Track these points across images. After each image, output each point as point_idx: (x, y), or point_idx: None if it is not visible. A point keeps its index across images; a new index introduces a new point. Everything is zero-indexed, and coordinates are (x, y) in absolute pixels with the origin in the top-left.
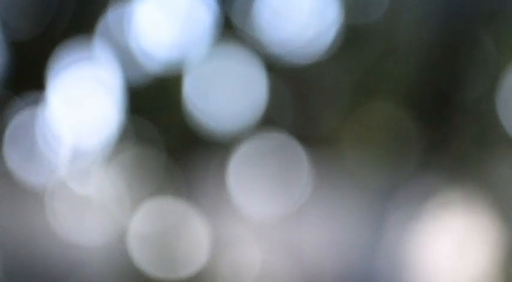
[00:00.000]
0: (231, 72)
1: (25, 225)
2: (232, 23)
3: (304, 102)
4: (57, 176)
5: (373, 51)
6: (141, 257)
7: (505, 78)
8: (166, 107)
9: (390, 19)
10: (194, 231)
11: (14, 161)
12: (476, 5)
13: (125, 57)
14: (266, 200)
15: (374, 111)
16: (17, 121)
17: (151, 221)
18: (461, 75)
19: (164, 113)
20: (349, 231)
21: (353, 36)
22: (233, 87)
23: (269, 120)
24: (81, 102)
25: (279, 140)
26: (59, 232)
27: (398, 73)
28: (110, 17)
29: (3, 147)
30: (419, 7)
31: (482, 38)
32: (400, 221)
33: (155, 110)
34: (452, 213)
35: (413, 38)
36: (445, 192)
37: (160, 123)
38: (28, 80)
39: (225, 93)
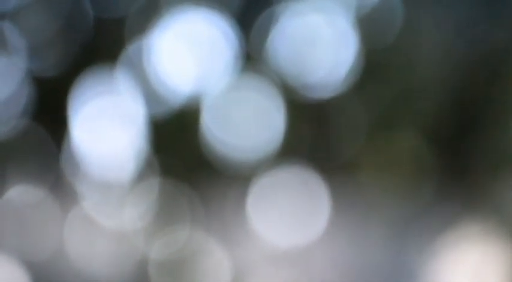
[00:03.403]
0: (251, 104)
1: (47, 254)
2: (252, 55)
3: (324, 133)
4: (80, 205)
5: (392, 84)
6: None
7: None
8: (187, 138)
9: (410, 53)
10: (214, 261)
11: (40, 191)
12: (494, 41)
13: (147, 90)
14: (285, 229)
15: (393, 142)
16: (42, 152)
17: (172, 250)
18: (480, 108)
19: (185, 144)
20: (368, 260)
21: (373, 69)
22: (253, 119)
23: (288, 150)
24: (103, 134)
25: (298, 170)
26: (80, 261)
27: (417, 105)
28: (131, 51)
29: (30, 178)
30: (439, 41)
31: (501, 72)
32: (419, 249)
33: (176, 141)
34: (469, 242)
35: (432, 71)
36: (463, 222)
37: (180, 154)
38: (53, 112)
39: (245, 125)
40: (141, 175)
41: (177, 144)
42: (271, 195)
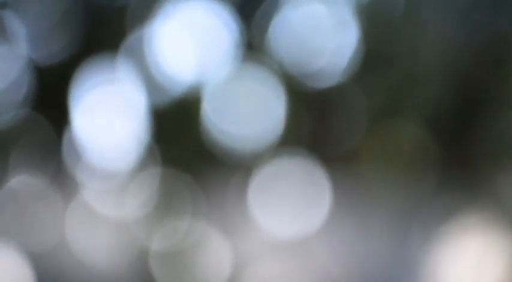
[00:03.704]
0: (252, 93)
1: (48, 244)
2: (253, 44)
3: (325, 123)
4: (80, 195)
5: (394, 73)
6: (162, 276)
7: None
8: (188, 127)
9: (412, 41)
10: (215, 251)
11: (41, 181)
12: (497, 29)
13: (148, 79)
14: (287, 219)
15: (395, 132)
16: (43, 142)
17: (173, 241)
18: (482, 97)
19: (186, 134)
20: (370, 251)
21: (375, 58)
22: (254, 109)
23: (289, 140)
24: (104, 123)
25: (299, 160)
26: (81, 250)
27: (419, 95)
28: (133, 40)
29: (30, 168)
30: (441, 30)
31: (504, 61)
32: (420, 240)
33: (177, 131)
34: (471, 233)
35: (435, 61)
36: (465, 213)
37: (181, 144)
38: (54, 102)
39: (246, 115)
40: (142, 165)
41: (178, 133)
42: (273, 186)
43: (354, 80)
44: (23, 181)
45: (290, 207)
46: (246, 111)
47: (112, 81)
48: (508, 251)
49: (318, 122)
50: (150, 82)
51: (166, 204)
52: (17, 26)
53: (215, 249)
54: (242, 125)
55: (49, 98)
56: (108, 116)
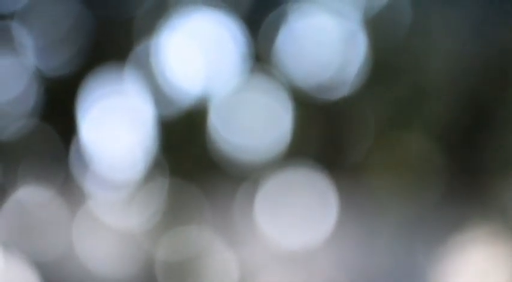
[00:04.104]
0: (259, 105)
1: (55, 254)
2: (260, 56)
3: (332, 134)
4: (88, 205)
5: (402, 85)
6: None
7: None
8: (195, 138)
9: (420, 53)
10: (221, 262)
11: (48, 191)
12: (505, 42)
13: (155, 90)
14: (293, 230)
15: (402, 144)
16: (51, 152)
17: (179, 251)
18: (489, 109)
19: (193, 144)
20: (376, 262)
21: (382, 70)
22: (261, 120)
23: (296, 151)
24: (112, 134)
25: (306, 171)
26: (88, 260)
27: (427, 106)
28: (140, 51)
29: (38, 178)
30: (449, 42)
31: (511, 74)
32: (427, 251)
33: (184, 141)
34: (478, 244)
35: (442, 73)
36: (471, 224)
37: (188, 155)
38: (61, 112)
39: (253, 126)
40: (149, 175)
41: (185, 144)
42: (279, 197)
43: (362, 92)
44: (30, 191)
45: (296, 218)
46: (253, 123)
47: (119, 92)
48: None
49: (325, 133)
50: (158, 93)
51: (173, 215)
52: (24, 37)
53: (221, 259)
54: (249, 136)
55: (57, 109)
56: (115, 127)
